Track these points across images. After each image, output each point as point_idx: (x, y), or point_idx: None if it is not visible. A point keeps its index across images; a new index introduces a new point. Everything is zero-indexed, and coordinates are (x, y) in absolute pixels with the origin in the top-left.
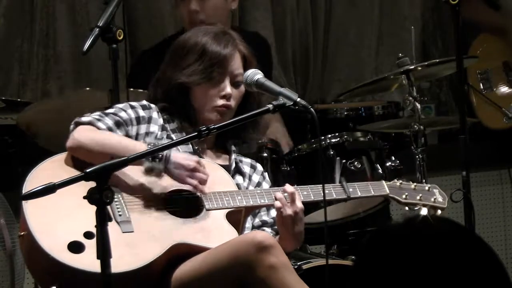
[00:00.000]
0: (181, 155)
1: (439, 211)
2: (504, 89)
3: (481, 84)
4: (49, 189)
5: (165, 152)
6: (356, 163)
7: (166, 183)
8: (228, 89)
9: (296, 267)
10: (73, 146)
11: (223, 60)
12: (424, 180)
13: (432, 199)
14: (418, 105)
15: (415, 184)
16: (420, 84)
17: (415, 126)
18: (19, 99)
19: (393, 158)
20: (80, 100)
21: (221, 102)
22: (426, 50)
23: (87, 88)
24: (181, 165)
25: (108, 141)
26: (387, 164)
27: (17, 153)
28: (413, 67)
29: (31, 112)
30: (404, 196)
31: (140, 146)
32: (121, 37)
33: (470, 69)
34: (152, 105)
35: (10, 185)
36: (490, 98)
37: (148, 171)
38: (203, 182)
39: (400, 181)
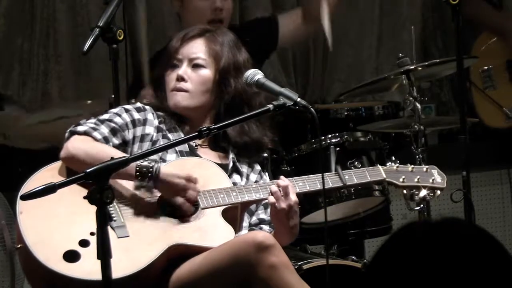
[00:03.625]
0: (170, 172)
1: (438, 192)
2: (506, 87)
3: (483, 82)
4: (49, 189)
5: (154, 168)
6: (356, 163)
7: None
8: (179, 70)
9: (296, 267)
10: (66, 157)
11: (178, 48)
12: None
13: (431, 180)
14: (419, 105)
15: (412, 166)
16: (420, 84)
17: (415, 126)
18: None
19: (393, 158)
20: (80, 108)
21: (173, 83)
22: (426, 50)
23: (88, 102)
24: (170, 185)
25: (100, 154)
26: (388, 164)
27: (17, 153)
28: (413, 67)
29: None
30: (401, 179)
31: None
32: (122, 37)
33: (473, 67)
34: (147, 107)
35: (10, 185)
36: (491, 97)
37: (138, 189)
38: (191, 200)
39: (397, 165)
